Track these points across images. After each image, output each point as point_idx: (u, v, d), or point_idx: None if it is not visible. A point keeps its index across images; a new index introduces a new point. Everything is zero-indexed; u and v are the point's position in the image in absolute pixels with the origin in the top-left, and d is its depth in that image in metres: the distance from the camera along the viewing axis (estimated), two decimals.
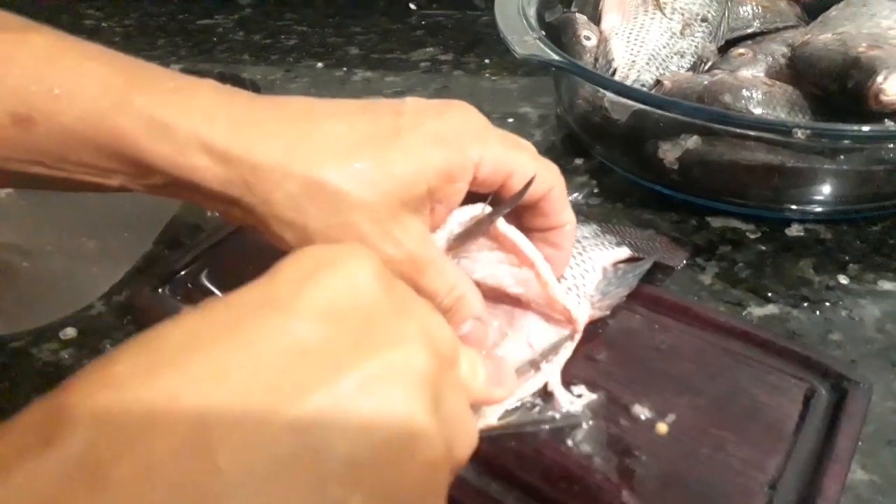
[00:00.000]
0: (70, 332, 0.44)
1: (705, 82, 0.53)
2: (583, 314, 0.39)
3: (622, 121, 0.54)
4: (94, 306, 0.46)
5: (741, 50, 0.60)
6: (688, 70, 0.60)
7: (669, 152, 0.52)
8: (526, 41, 0.54)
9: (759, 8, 0.64)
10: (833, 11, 0.59)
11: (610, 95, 0.53)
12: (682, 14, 0.61)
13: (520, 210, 0.37)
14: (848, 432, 0.35)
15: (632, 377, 0.38)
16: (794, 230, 0.52)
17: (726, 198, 0.53)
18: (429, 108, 0.34)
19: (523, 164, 0.35)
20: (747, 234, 0.52)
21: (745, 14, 0.64)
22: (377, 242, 0.32)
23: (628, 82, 0.57)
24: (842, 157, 0.50)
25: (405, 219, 0.33)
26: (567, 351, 0.38)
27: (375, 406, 0.21)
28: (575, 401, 0.36)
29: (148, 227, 0.54)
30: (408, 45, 0.80)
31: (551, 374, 0.37)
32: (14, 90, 0.30)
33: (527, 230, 0.37)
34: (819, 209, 0.52)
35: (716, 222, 0.53)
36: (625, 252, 0.44)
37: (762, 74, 0.57)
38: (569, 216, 0.38)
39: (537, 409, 0.36)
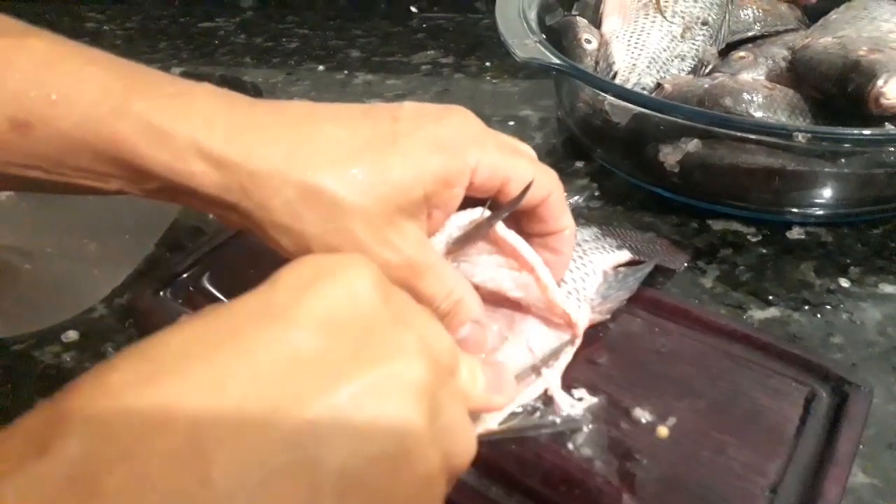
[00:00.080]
0: (72, 335, 0.44)
1: (706, 86, 0.53)
2: (583, 318, 0.39)
3: (623, 124, 0.54)
4: (96, 309, 0.46)
5: (742, 53, 0.60)
6: (688, 73, 0.60)
7: (670, 155, 0.52)
8: (526, 44, 0.54)
9: (760, 11, 0.64)
10: (833, 15, 0.60)
11: (610, 99, 0.53)
12: (683, 17, 0.61)
13: (518, 215, 0.37)
14: (849, 436, 0.35)
15: (632, 380, 0.38)
16: (795, 233, 0.52)
17: (727, 201, 0.53)
18: (427, 114, 0.34)
19: (521, 169, 0.35)
20: (748, 237, 0.52)
21: (746, 17, 0.64)
22: (374, 247, 0.32)
23: (629, 86, 0.57)
24: (842, 160, 0.50)
25: (402, 224, 0.33)
26: (567, 356, 0.38)
27: (371, 417, 0.21)
28: (576, 404, 0.36)
29: (149, 230, 0.54)
30: (409, 48, 0.80)
31: (552, 379, 0.37)
32: (12, 95, 0.30)
33: (526, 235, 0.37)
34: (820, 212, 0.52)
35: (716, 225, 0.53)
36: (625, 255, 0.44)
37: (763, 78, 0.57)
38: (567, 221, 0.38)
39: (538, 413, 0.36)
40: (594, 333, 0.40)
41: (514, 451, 0.34)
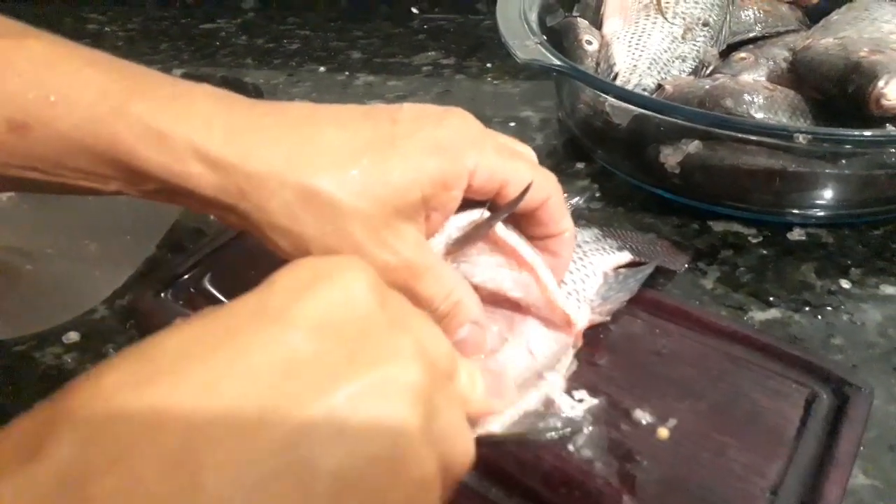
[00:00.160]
0: (73, 336, 0.44)
1: (707, 87, 0.53)
2: (582, 318, 0.39)
3: (623, 125, 0.54)
4: (97, 310, 0.46)
5: (743, 54, 0.60)
6: (689, 74, 0.60)
7: (671, 157, 0.52)
8: (527, 46, 0.54)
9: (761, 12, 0.64)
10: (835, 16, 0.60)
11: (611, 100, 0.53)
12: (684, 18, 0.61)
13: (517, 218, 0.37)
14: (849, 437, 0.35)
15: (633, 382, 0.38)
16: (796, 234, 0.52)
17: (728, 202, 0.53)
18: (425, 115, 0.34)
19: (519, 172, 0.35)
20: (749, 238, 0.52)
21: (747, 18, 0.64)
22: (372, 249, 0.32)
23: (630, 87, 0.57)
24: (843, 161, 0.50)
25: (400, 226, 0.33)
26: (568, 359, 0.38)
27: (367, 419, 0.21)
28: (576, 405, 0.36)
29: (150, 231, 0.54)
30: (410, 49, 0.80)
31: (554, 383, 0.37)
32: (11, 96, 0.30)
33: (525, 238, 0.37)
34: (821, 213, 0.52)
35: (717, 226, 0.53)
36: (626, 256, 0.44)
37: (764, 79, 0.57)
38: (567, 224, 0.38)
39: (538, 415, 0.36)
40: (595, 334, 0.40)
41: (513, 452, 0.34)
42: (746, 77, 0.57)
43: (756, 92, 0.52)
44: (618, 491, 0.33)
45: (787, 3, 0.66)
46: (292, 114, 0.33)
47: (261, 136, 0.31)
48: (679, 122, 0.50)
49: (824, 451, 0.34)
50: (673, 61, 0.59)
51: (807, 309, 0.46)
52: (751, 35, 0.63)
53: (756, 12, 0.64)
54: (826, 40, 0.54)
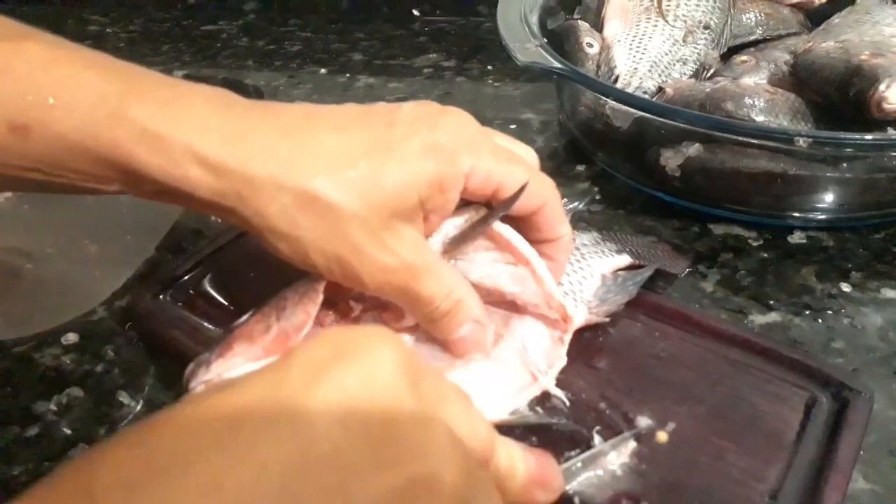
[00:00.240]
0: (71, 338, 0.44)
1: (707, 90, 0.53)
2: (579, 316, 0.39)
3: (624, 128, 0.54)
4: (96, 312, 0.46)
5: (744, 57, 0.60)
6: (690, 77, 0.60)
7: (671, 159, 0.52)
8: (528, 48, 0.54)
9: (762, 15, 0.64)
10: (836, 19, 0.59)
11: (612, 103, 0.53)
12: (685, 21, 0.61)
13: (515, 223, 0.37)
14: (849, 441, 0.34)
15: (632, 385, 0.38)
16: (797, 237, 0.52)
17: (728, 205, 0.53)
18: (423, 117, 0.34)
19: (515, 175, 0.35)
20: (749, 241, 0.51)
21: (748, 21, 0.64)
22: (371, 251, 0.32)
23: (630, 90, 0.57)
24: (844, 164, 0.49)
25: (399, 227, 0.33)
26: (562, 358, 0.38)
27: None
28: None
29: (150, 232, 0.54)
30: (411, 51, 0.80)
31: (548, 383, 0.37)
32: (10, 99, 0.30)
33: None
34: (822, 217, 0.52)
35: (718, 229, 0.52)
36: (625, 259, 0.44)
37: (765, 82, 0.57)
38: (564, 230, 0.38)
39: (535, 417, 0.36)
40: (594, 338, 0.40)
41: None
42: (747, 80, 0.57)
43: (757, 95, 0.52)
44: (616, 495, 0.33)
45: (789, 5, 0.66)
46: (289, 117, 0.33)
47: (258, 141, 0.31)
48: (680, 125, 0.50)
49: (824, 455, 0.34)
50: (674, 64, 0.59)
51: (807, 312, 0.45)
52: (752, 38, 0.63)
53: (757, 15, 0.64)
54: (827, 43, 0.54)
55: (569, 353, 0.38)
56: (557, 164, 0.60)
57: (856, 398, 0.36)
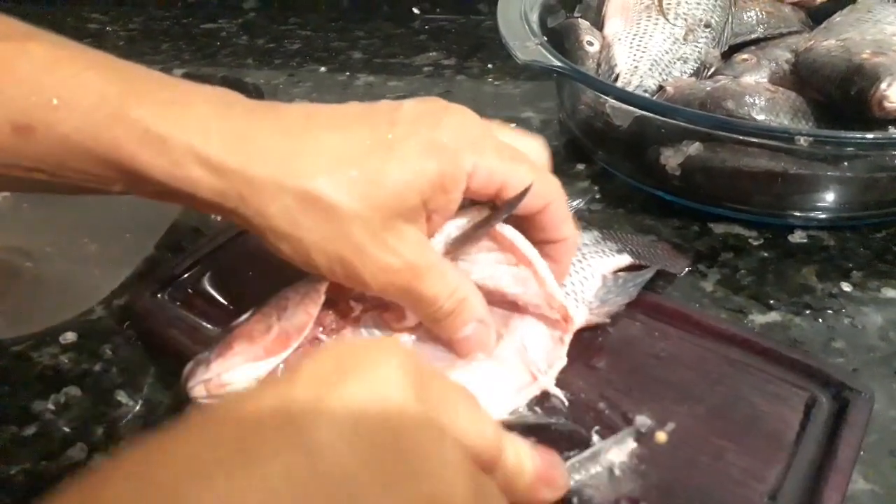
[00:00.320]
0: (70, 337, 0.44)
1: (708, 88, 0.53)
2: (579, 317, 0.39)
3: (624, 126, 0.54)
4: (95, 311, 0.46)
5: (745, 55, 0.60)
6: (691, 75, 0.59)
7: (671, 158, 0.51)
8: (528, 47, 0.54)
9: (763, 13, 0.64)
10: (837, 17, 0.59)
11: (612, 101, 0.52)
12: (686, 20, 0.61)
13: (520, 222, 0.37)
14: (849, 442, 0.34)
15: (631, 385, 0.38)
16: (797, 237, 0.52)
17: (729, 204, 0.53)
18: (425, 116, 0.34)
19: (519, 174, 0.34)
20: (750, 240, 0.51)
21: (749, 19, 0.63)
22: (373, 252, 0.32)
23: (631, 88, 0.57)
24: (845, 163, 0.49)
25: (401, 227, 0.32)
26: (562, 358, 0.38)
27: None
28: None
29: (150, 231, 0.54)
30: (411, 49, 0.80)
31: (548, 383, 0.37)
32: (13, 99, 0.30)
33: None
34: (822, 216, 0.52)
35: (718, 228, 0.52)
36: (626, 259, 0.44)
37: (766, 80, 0.57)
38: (569, 231, 0.37)
39: (534, 417, 0.36)
40: (593, 338, 0.40)
41: None
42: (748, 79, 0.56)
43: (757, 94, 0.52)
44: (615, 495, 0.33)
45: (790, 4, 0.66)
46: (290, 117, 0.33)
47: (259, 141, 0.31)
48: (680, 123, 0.49)
49: (824, 455, 0.34)
50: (674, 63, 0.59)
51: (807, 312, 0.45)
52: (753, 36, 0.63)
53: (758, 13, 0.64)
54: (828, 42, 0.54)
55: (568, 353, 0.38)
56: (557, 163, 0.59)
57: (856, 398, 0.36)
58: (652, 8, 0.61)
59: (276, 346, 0.34)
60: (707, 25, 0.61)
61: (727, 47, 0.62)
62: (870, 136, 0.47)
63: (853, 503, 0.34)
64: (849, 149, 0.48)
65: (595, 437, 0.35)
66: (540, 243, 0.37)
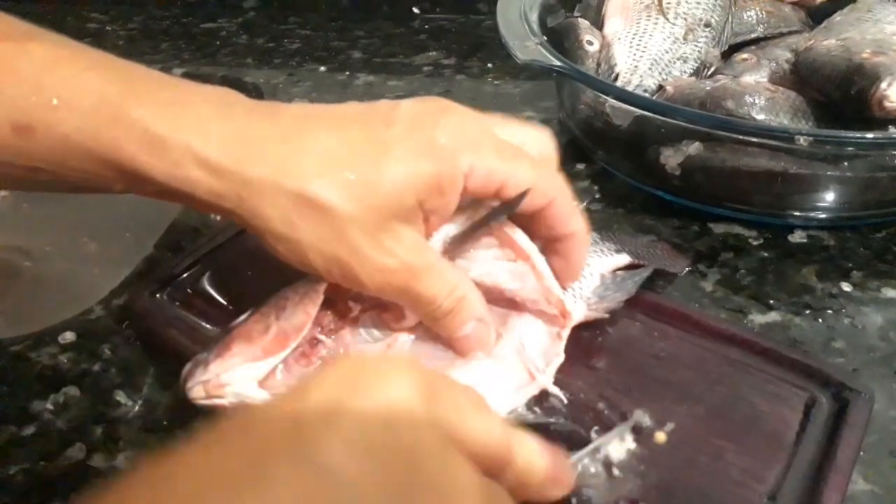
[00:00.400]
0: (69, 337, 0.44)
1: (708, 88, 0.53)
2: (577, 312, 0.39)
3: (624, 126, 0.54)
4: (93, 310, 0.46)
5: (745, 55, 0.60)
6: (691, 75, 0.59)
7: (671, 158, 0.51)
8: (527, 46, 0.54)
9: (764, 13, 0.64)
10: (838, 17, 0.59)
11: (611, 101, 0.52)
12: (686, 19, 0.60)
13: (524, 219, 0.36)
14: (849, 442, 0.34)
15: (630, 385, 0.38)
16: (797, 237, 0.52)
17: (729, 204, 0.52)
18: (421, 116, 0.33)
19: (519, 174, 0.34)
20: (750, 240, 0.51)
21: (749, 19, 0.63)
22: (370, 253, 0.32)
23: (630, 87, 0.57)
24: (845, 163, 0.49)
25: (397, 228, 0.32)
26: (560, 356, 0.38)
27: None
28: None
29: (150, 230, 0.54)
30: (410, 49, 0.80)
31: (546, 382, 0.36)
32: (14, 100, 0.30)
33: (534, 238, 0.37)
34: (822, 216, 0.52)
35: (718, 228, 0.52)
36: (624, 259, 0.44)
37: (766, 80, 0.57)
38: (576, 225, 0.37)
39: (533, 417, 0.36)
40: (593, 337, 0.40)
41: None
42: (748, 78, 0.56)
43: (757, 93, 0.52)
44: (614, 496, 0.33)
45: (790, 3, 0.66)
46: (288, 118, 0.33)
47: (256, 143, 0.32)
48: (680, 123, 0.49)
49: (823, 456, 0.34)
50: (674, 62, 0.59)
51: (807, 312, 0.45)
52: (753, 36, 0.63)
53: (758, 13, 0.63)
54: (828, 41, 0.54)
55: (567, 353, 0.38)
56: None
57: (856, 398, 0.36)
58: (652, 7, 0.61)
59: (274, 347, 0.34)
60: (707, 25, 0.61)
61: (727, 47, 0.62)
62: (870, 135, 0.47)
63: (853, 503, 0.34)
64: (849, 148, 0.48)
65: (594, 437, 0.35)
66: (548, 240, 0.37)
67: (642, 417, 0.35)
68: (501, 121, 0.37)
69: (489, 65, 0.76)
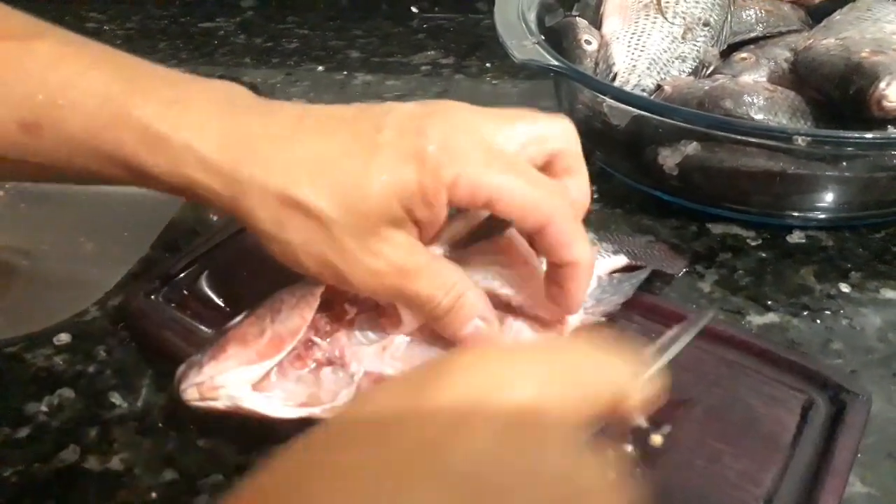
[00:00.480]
0: (64, 338, 0.43)
1: (706, 87, 0.53)
2: (573, 318, 0.38)
3: (622, 126, 0.53)
4: (89, 311, 0.45)
5: (744, 54, 0.60)
6: (689, 74, 0.59)
7: (669, 158, 0.51)
8: (525, 46, 0.54)
9: (763, 12, 0.64)
10: (837, 16, 0.59)
11: (609, 101, 0.52)
12: (684, 18, 0.60)
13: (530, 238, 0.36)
14: (846, 445, 0.34)
15: None
16: (796, 237, 0.51)
17: (727, 204, 0.52)
18: (412, 122, 0.32)
19: (510, 189, 0.31)
20: (748, 240, 0.51)
21: (749, 18, 0.63)
22: (360, 257, 0.32)
23: (629, 87, 0.57)
24: (844, 163, 0.49)
25: (386, 232, 0.32)
26: None
27: None
28: None
29: (148, 229, 0.54)
30: (409, 48, 0.80)
31: None
32: (21, 98, 0.31)
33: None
34: (821, 216, 0.52)
35: (716, 229, 0.52)
36: (621, 260, 0.44)
37: (765, 79, 0.56)
38: (577, 254, 0.33)
39: None
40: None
41: None
42: (747, 78, 0.56)
43: (756, 93, 0.51)
44: None
45: (789, 2, 0.65)
46: (281, 119, 0.33)
47: (248, 143, 0.32)
48: (678, 123, 0.49)
49: (820, 458, 0.34)
50: (673, 61, 0.59)
51: (805, 313, 0.45)
52: (752, 35, 0.63)
53: (757, 12, 0.63)
54: (827, 40, 0.53)
55: None
56: None
57: (853, 400, 0.36)
58: (650, 6, 0.61)
59: (269, 350, 0.34)
60: (706, 24, 0.60)
61: (726, 46, 0.61)
62: (869, 135, 0.46)
63: None
64: (848, 148, 0.48)
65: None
66: (549, 264, 0.35)
67: (638, 420, 0.35)
68: (511, 117, 0.35)
69: (488, 64, 0.76)
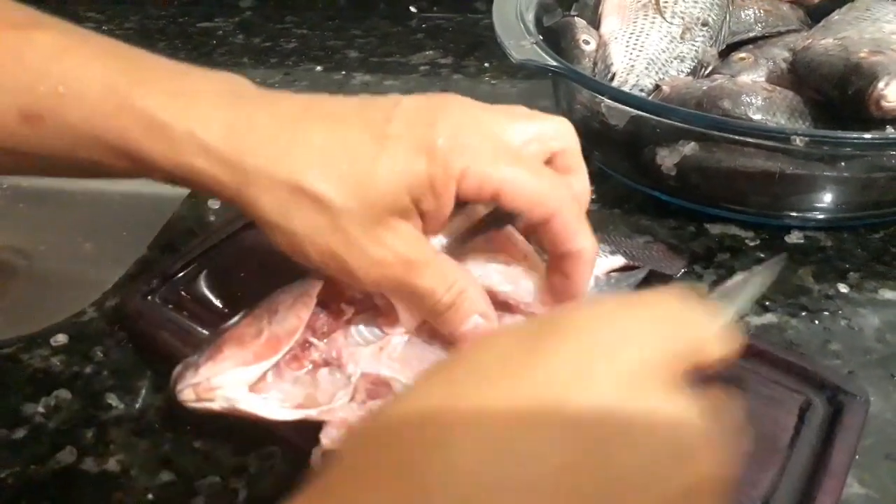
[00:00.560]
0: (61, 339, 0.43)
1: (704, 87, 0.53)
2: None
3: (620, 126, 0.53)
4: (86, 312, 0.45)
5: (742, 54, 0.60)
6: (688, 74, 0.59)
7: (667, 158, 0.51)
8: (523, 46, 0.54)
9: (762, 12, 0.63)
10: (836, 16, 0.59)
11: (607, 101, 0.52)
12: (683, 18, 0.60)
13: (530, 230, 0.36)
14: (844, 446, 0.34)
15: None
16: (794, 237, 0.51)
17: (725, 204, 0.52)
18: (421, 113, 0.32)
19: (517, 182, 0.32)
20: (746, 241, 0.51)
21: (747, 18, 0.63)
22: (366, 246, 0.32)
23: (627, 87, 0.57)
24: (842, 164, 0.49)
25: (393, 223, 0.32)
26: None
27: None
28: None
29: (146, 228, 0.54)
30: (407, 48, 0.80)
31: None
32: (22, 88, 0.30)
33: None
34: (819, 216, 0.52)
35: (714, 229, 0.52)
36: (619, 260, 0.43)
37: (763, 79, 0.56)
38: (581, 243, 0.34)
39: None
40: None
41: None
42: (745, 78, 0.56)
43: (754, 93, 0.51)
44: None
45: (788, 2, 0.65)
46: (288, 108, 0.33)
47: (255, 132, 0.31)
48: (676, 123, 0.49)
49: (818, 460, 0.34)
50: (671, 61, 0.59)
51: (804, 314, 0.45)
52: (751, 35, 0.63)
53: (756, 12, 0.63)
54: (826, 40, 0.53)
55: None
56: None
57: (851, 402, 0.36)
58: (649, 6, 0.61)
59: (265, 351, 0.34)
60: (704, 24, 0.60)
61: (724, 46, 0.61)
62: (867, 135, 0.46)
63: None
64: (846, 149, 0.48)
65: None
66: (552, 256, 0.35)
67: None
68: (514, 113, 0.35)
69: (486, 64, 0.76)
